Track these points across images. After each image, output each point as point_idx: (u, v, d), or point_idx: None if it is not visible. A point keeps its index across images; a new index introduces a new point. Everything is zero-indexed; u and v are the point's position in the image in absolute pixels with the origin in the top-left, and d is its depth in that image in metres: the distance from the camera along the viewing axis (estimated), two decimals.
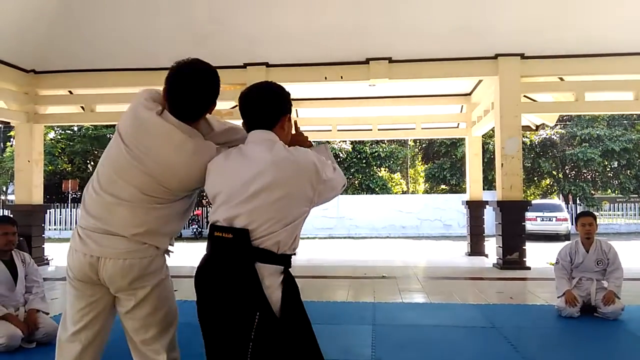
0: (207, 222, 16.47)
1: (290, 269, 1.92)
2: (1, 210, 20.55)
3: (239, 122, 2.13)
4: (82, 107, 9.52)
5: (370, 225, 20.30)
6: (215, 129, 2.10)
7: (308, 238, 17.66)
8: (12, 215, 8.19)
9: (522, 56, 8.18)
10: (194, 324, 1.98)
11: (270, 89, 2.00)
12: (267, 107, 1.98)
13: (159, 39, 8.17)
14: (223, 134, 2.12)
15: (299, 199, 1.88)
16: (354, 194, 23.33)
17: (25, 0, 7.47)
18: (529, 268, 7.95)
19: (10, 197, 25.94)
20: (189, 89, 1.98)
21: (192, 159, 1.98)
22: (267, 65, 8.56)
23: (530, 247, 8.39)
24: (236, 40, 8.23)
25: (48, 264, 9.14)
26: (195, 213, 20.30)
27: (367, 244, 15.99)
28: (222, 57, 8.36)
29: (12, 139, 23.20)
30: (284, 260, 1.88)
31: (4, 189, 25.24)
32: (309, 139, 2.17)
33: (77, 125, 22.18)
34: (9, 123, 10.02)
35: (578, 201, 23.39)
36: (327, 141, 21.04)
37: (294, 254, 1.94)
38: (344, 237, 19.04)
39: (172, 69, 2.01)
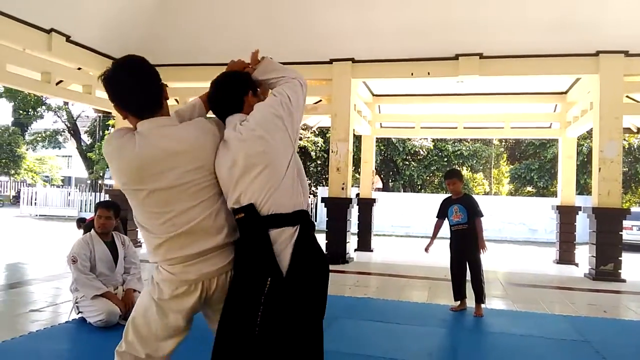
0: None
1: (309, 225, 1.95)
2: (100, 194, 22.16)
3: (319, 118, 2.17)
4: (176, 100, 10.01)
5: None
6: (182, 113, 2.12)
7: (384, 235, 17.51)
8: (110, 199, 8.77)
9: (626, 53, 7.62)
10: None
11: (224, 81, 2.10)
12: (227, 97, 2.08)
13: (248, 35, 8.36)
14: (187, 110, 2.15)
15: (280, 153, 1.95)
16: (433, 192, 22.84)
17: None
18: (624, 280, 7.42)
19: (106, 182, 27.82)
20: (124, 82, 1.95)
21: (191, 139, 1.97)
22: (353, 60, 8.54)
23: (626, 258, 7.83)
24: (322, 35, 8.27)
25: (141, 246, 9.72)
26: None
27: (446, 245, 15.60)
28: (308, 52, 8.48)
29: (110, 128, 24.82)
30: (299, 217, 1.93)
31: (102, 173, 27.06)
32: (240, 61, 2.19)
33: None
34: (110, 112, 10.75)
35: None
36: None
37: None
38: (421, 237, 18.69)
39: (100, 77, 1.97)
